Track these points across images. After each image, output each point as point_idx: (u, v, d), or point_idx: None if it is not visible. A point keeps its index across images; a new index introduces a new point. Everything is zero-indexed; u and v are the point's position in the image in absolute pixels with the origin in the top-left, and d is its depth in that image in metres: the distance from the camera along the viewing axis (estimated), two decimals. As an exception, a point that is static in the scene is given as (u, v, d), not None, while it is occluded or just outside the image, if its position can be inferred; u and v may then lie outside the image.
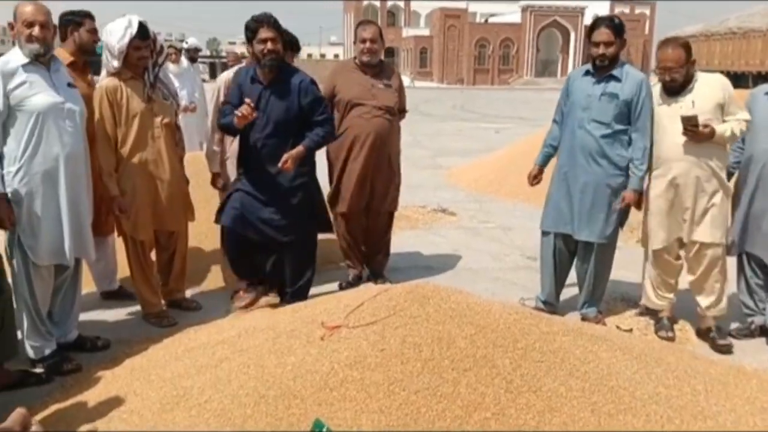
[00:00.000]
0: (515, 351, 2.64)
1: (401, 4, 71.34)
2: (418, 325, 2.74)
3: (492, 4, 70.50)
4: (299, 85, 3.88)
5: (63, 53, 3.84)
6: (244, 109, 3.66)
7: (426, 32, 67.17)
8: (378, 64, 4.54)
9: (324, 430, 2.21)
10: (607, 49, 3.81)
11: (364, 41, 4.45)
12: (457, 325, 2.75)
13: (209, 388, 2.60)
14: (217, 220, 4.05)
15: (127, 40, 3.69)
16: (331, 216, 4.51)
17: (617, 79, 3.85)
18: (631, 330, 4.07)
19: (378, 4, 69.82)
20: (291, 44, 4.28)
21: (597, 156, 3.90)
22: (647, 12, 67.87)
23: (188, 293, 4.48)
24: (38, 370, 3.40)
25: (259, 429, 2.31)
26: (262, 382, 2.53)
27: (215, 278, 4.85)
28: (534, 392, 2.44)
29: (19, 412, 0.72)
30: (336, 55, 74.26)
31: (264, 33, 3.72)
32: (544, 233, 4.24)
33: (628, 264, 4.92)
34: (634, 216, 4.24)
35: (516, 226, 6.84)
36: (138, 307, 4.19)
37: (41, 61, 3.25)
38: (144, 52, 3.77)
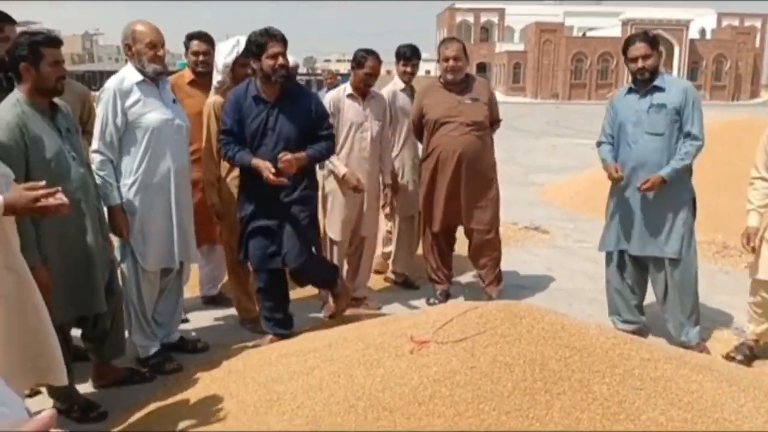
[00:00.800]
0: (613, 377, 2.53)
1: (495, 19, 70.94)
2: (509, 345, 2.69)
3: (590, 19, 68.76)
4: (309, 101, 3.75)
5: (186, 73, 4.15)
6: (270, 176, 3.48)
7: (520, 47, 66.36)
8: (463, 80, 4.52)
9: (412, 444, 2.21)
10: (646, 61, 3.80)
11: (447, 59, 4.45)
12: (550, 347, 2.68)
13: (301, 395, 2.67)
14: (244, 256, 3.86)
15: (233, 57, 3.90)
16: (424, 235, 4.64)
17: (661, 89, 3.82)
18: (738, 359, 3.81)
19: (471, 20, 69.76)
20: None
21: (655, 168, 3.80)
22: (758, 25, 63.96)
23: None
24: (143, 369, 3.60)
25: (349, 438, 2.34)
26: (352, 392, 2.56)
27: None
28: (632, 421, 2.33)
29: (49, 414, 0.75)
30: (427, 71, 74.62)
31: (275, 48, 3.53)
32: (609, 253, 4.17)
33: (736, 290, 4.62)
34: (737, 237, 3.99)
35: (612, 247, 6.58)
36: (235, 313, 4.36)
37: (153, 79, 3.48)
38: (248, 70, 3.94)
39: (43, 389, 3.14)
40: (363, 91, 4.33)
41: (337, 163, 4.25)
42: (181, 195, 3.59)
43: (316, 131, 3.72)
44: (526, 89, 63.61)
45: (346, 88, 4.37)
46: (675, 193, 3.83)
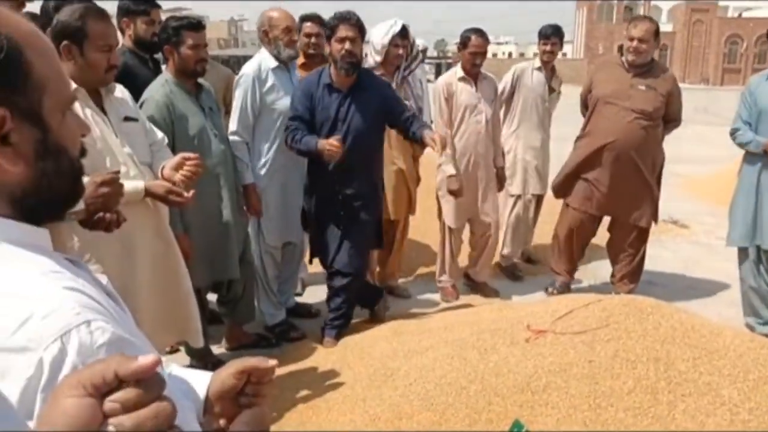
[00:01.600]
0: (745, 382, 2.35)
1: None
2: (632, 341, 2.57)
3: (749, -3, 62.72)
4: (383, 91, 3.51)
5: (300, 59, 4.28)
6: (333, 145, 3.21)
7: (667, 28, 61.98)
8: (647, 64, 4.14)
9: (523, 431, 2.18)
10: None
11: (632, 39, 4.06)
12: (678, 347, 2.53)
13: (414, 372, 2.71)
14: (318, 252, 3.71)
15: (389, 37, 3.97)
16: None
17: None
18: None
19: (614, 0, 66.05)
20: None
21: None
22: None
23: (400, 281, 4.70)
24: (270, 335, 3.82)
25: (459, 419, 2.36)
26: (464, 375, 2.57)
27: (426, 269, 5.01)
28: (765, 429, 2.15)
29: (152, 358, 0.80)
30: (564, 54, 71.77)
31: (344, 31, 3.28)
32: (742, 249, 3.89)
33: None
34: None
35: (761, 246, 6.02)
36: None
37: (286, 64, 3.64)
38: (399, 51, 3.96)
39: (182, 348, 3.43)
40: (473, 73, 4.20)
41: (446, 160, 4.21)
42: (301, 175, 3.74)
43: (398, 118, 3.48)
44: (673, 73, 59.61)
45: (458, 71, 4.29)
46: None
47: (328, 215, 3.53)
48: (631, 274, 4.42)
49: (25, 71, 0.73)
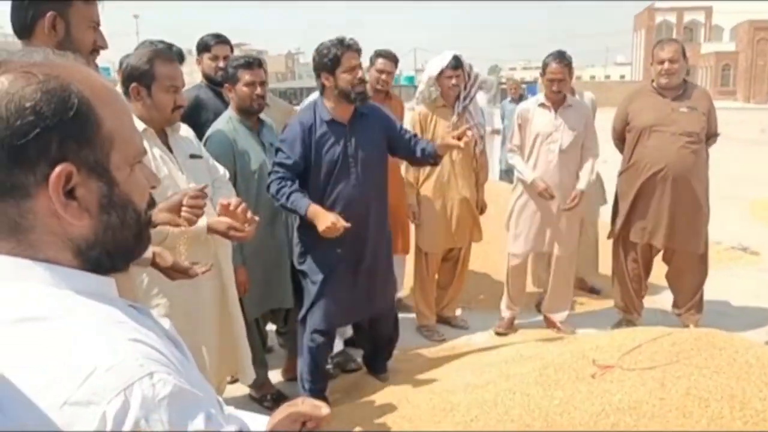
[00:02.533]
0: (832, 425, 2.20)
1: (701, 18, 65.08)
2: (705, 378, 2.45)
3: (819, 12, 60.25)
4: (378, 112, 3.24)
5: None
6: (335, 227, 2.86)
7: (730, 47, 60.16)
8: (680, 86, 4.06)
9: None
10: None
11: (662, 62, 3.99)
12: (754, 384, 2.39)
13: (476, 408, 2.66)
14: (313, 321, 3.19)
15: (438, 69, 4.03)
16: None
17: None
18: None
19: (673, 19, 64.67)
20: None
21: None
22: None
23: (458, 312, 4.65)
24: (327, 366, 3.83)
25: (523, 459, 2.29)
26: (528, 412, 2.50)
27: (485, 299, 4.94)
28: None
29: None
30: (622, 76, 70.49)
31: (353, 60, 2.99)
32: None
33: None
34: None
35: (841, 274, 5.69)
36: (413, 317, 4.47)
37: None
38: (453, 81, 4.01)
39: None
40: (555, 99, 4.12)
41: (523, 168, 4.15)
42: None
43: (402, 139, 3.24)
44: (737, 92, 57.42)
45: (539, 98, 4.26)
46: None
47: (349, 264, 3.12)
48: (698, 304, 4.24)
49: (94, 127, 0.75)
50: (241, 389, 3.42)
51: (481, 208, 4.36)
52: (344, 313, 3.23)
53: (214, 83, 3.67)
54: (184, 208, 2.04)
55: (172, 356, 0.77)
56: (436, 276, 4.42)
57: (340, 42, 2.98)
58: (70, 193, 0.74)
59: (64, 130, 0.73)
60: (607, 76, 74.42)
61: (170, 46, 3.17)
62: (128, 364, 0.70)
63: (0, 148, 0.71)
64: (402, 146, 3.24)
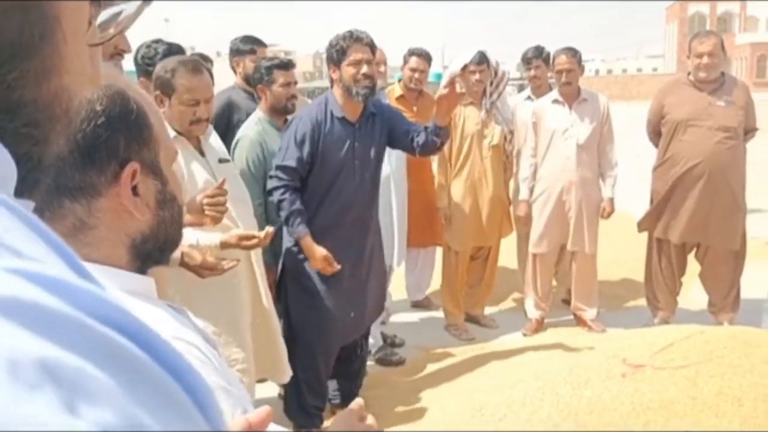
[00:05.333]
0: None
1: (735, 9, 63.60)
2: (739, 377, 2.41)
3: None
4: (385, 109, 3.13)
5: (396, 87, 4.35)
6: (331, 267, 2.80)
7: (766, 38, 58.67)
8: (718, 79, 3.95)
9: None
10: None
11: (700, 55, 3.89)
12: (790, 384, 2.35)
13: (504, 407, 2.66)
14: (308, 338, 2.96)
15: (461, 64, 4.01)
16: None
17: None
18: None
19: (706, 11, 63.31)
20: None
21: None
22: None
23: (487, 310, 4.63)
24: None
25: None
26: (557, 411, 2.49)
27: (512, 299, 4.92)
28: None
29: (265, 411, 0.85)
30: (654, 69, 69.23)
31: (360, 53, 2.83)
32: None
33: None
34: None
35: None
36: (441, 316, 4.47)
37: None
38: (477, 77, 3.97)
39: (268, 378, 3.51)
40: (567, 93, 4.07)
41: (525, 181, 4.17)
42: (401, 198, 3.85)
43: (404, 131, 3.03)
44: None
45: (553, 94, 4.22)
46: None
47: (346, 279, 2.94)
48: (733, 302, 4.14)
49: (149, 129, 0.83)
50: (270, 390, 3.47)
51: (509, 203, 4.36)
52: (344, 327, 2.98)
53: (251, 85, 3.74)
54: (206, 209, 2.05)
55: (209, 354, 0.80)
56: (465, 275, 4.42)
57: (350, 34, 2.85)
58: (133, 191, 0.80)
59: (129, 132, 0.80)
60: (639, 69, 73.17)
61: (170, 46, 3.07)
62: None
63: (75, 150, 0.76)
64: (403, 141, 3.04)
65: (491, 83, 4.06)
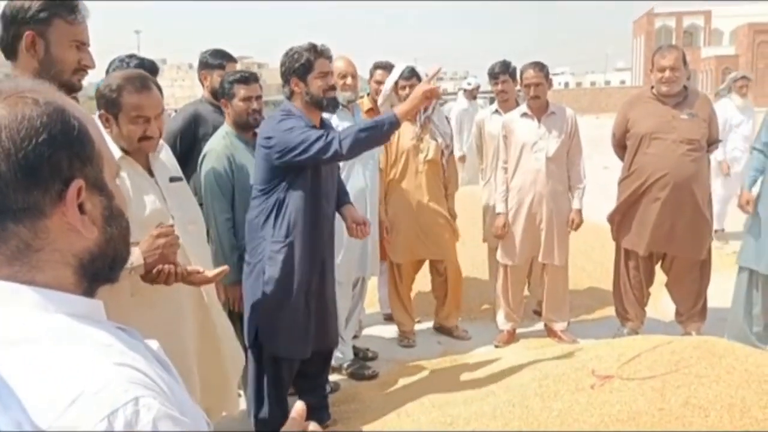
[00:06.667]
0: (833, 433, 2.19)
1: (700, 22, 65.22)
2: (704, 387, 2.44)
3: (819, 14, 60.29)
4: (327, 122, 3.20)
5: (365, 101, 4.35)
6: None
7: (730, 51, 60.26)
8: (681, 92, 4.02)
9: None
10: None
11: (663, 70, 3.95)
12: (753, 392, 2.38)
13: (475, 420, 2.66)
14: (277, 351, 2.94)
15: (392, 82, 4.05)
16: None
17: None
18: None
19: (672, 24, 64.79)
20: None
21: None
22: None
23: (459, 321, 4.62)
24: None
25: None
26: (527, 424, 2.50)
27: (484, 310, 4.93)
28: None
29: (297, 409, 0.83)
30: (622, 82, 70.53)
31: (325, 66, 2.90)
32: (741, 269, 3.93)
33: None
34: None
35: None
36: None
37: (347, 107, 3.74)
38: (407, 91, 3.91)
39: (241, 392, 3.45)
40: (536, 107, 4.12)
41: (499, 196, 4.21)
42: (374, 211, 3.88)
43: None
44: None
45: (522, 107, 4.26)
46: None
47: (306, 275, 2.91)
48: (700, 312, 4.22)
49: (91, 145, 0.81)
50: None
51: (454, 216, 4.36)
52: (307, 337, 2.96)
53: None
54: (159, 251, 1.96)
55: (159, 379, 0.78)
56: (410, 287, 4.43)
57: (313, 47, 2.88)
58: (79, 208, 0.78)
59: (71, 149, 0.78)
60: (607, 82, 74.54)
61: (142, 61, 3.10)
62: (113, 390, 0.70)
63: (17, 170, 0.74)
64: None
65: None
